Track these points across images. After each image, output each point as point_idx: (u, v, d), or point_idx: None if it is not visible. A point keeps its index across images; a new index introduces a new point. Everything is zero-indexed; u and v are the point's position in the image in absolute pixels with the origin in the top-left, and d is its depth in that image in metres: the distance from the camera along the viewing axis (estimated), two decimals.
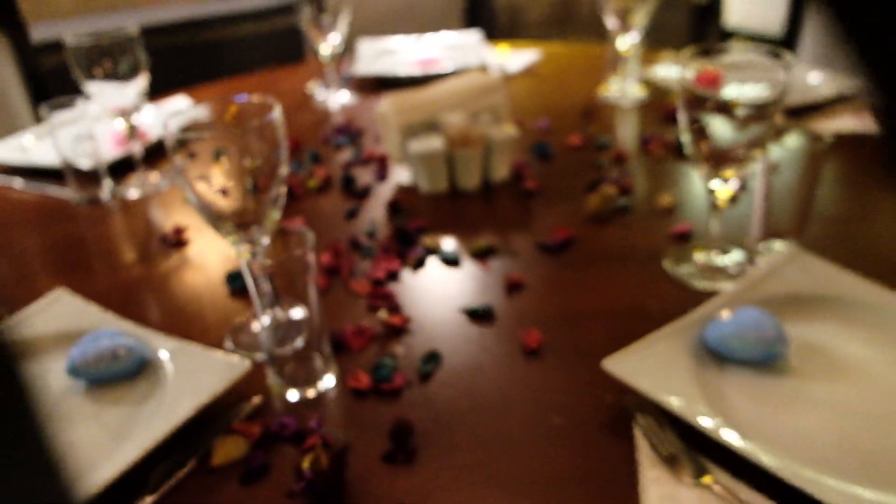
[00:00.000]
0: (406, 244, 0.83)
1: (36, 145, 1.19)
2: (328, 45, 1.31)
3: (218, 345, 0.68)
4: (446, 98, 0.97)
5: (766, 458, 0.48)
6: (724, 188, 0.70)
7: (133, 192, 1.03)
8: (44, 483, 0.16)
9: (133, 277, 0.82)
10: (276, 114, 0.55)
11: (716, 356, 0.59)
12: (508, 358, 0.64)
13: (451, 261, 0.80)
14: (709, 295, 0.69)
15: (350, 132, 1.18)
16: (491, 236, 0.85)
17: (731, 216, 0.82)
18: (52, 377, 0.63)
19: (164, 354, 0.63)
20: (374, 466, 0.53)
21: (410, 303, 0.73)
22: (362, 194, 0.97)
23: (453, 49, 1.55)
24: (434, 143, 0.93)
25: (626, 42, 1.22)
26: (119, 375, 0.61)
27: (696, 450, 0.51)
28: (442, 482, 0.52)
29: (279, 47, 2.47)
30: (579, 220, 0.87)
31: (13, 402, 0.15)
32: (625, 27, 1.20)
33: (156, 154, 1.12)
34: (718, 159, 0.67)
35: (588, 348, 0.64)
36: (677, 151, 1.02)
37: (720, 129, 0.66)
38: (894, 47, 0.17)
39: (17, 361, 0.15)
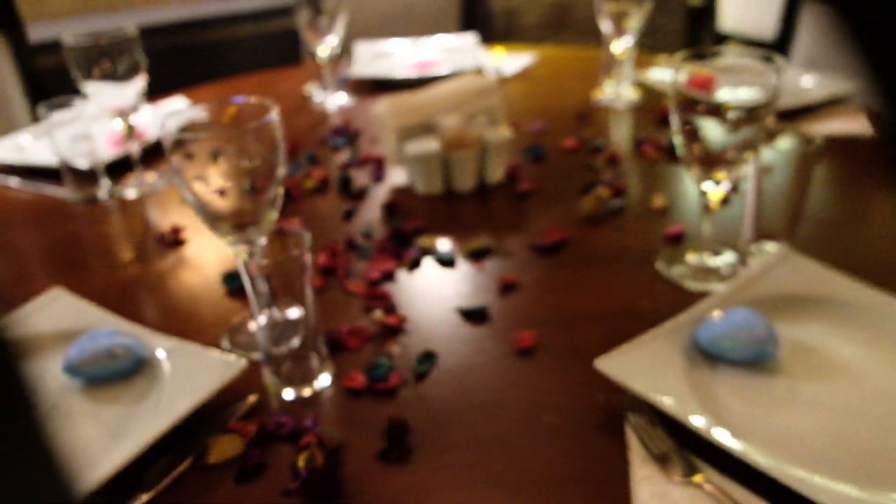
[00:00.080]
0: (402, 245, 0.84)
1: (33, 145, 1.19)
2: (325, 47, 1.32)
3: (215, 344, 0.68)
4: (442, 100, 0.98)
5: (757, 457, 0.49)
6: (716, 190, 0.71)
7: (130, 192, 1.04)
8: (43, 480, 0.16)
9: (130, 277, 0.83)
10: (274, 115, 0.56)
11: (707, 356, 0.60)
12: (503, 358, 0.65)
13: (447, 261, 0.81)
14: (701, 295, 0.69)
15: (347, 134, 1.19)
16: (486, 237, 0.85)
17: (723, 218, 0.83)
18: (49, 376, 0.63)
19: (160, 353, 0.63)
20: (369, 465, 0.54)
21: (406, 303, 0.74)
22: (359, 195, 0.98)
23: (449, 52, 1.56)
24: (430, 145, 0.94)
25: (621, 45, 1.23)
26: (116, 374, 0.62)
27: (688, 449, 0.52)
28: (437, 481, 0.52)
29: (277, 49, 2.47)
30: (573, 222, 0.87)
31: (12, 401, 0.15)
32: (619, 31, 1.21)
33: (153, 154, 1.12)
34: (710, 161, 0.68)
35: (581, 348, 0.64)
36: (670, 154, 1.02)
37: (712, 131, 0.66)
38: (894, 47, 0.17)
39: (17, 360, 0.15)
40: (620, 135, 1.16)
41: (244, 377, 0.60)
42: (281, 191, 0.59)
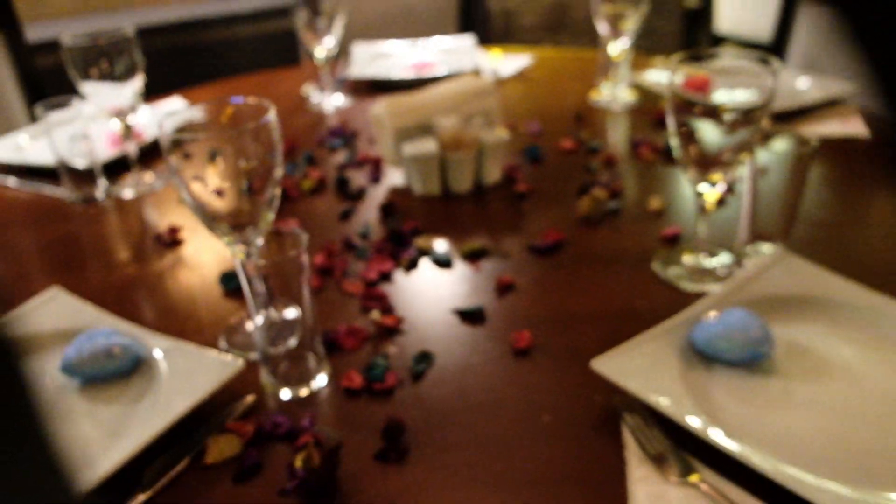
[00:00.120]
0: (399, 245, 0.84)
1: (31, 145, 1.19)
2: (323, 48, 1.32)
3: (212, 344, 0.68)
4: (440, 101, 0.98)
5: (753, 458, 0.49)
6: (712, 191, 0.71)
7: (128, 192, 1.04)
8: (41, 480, 0.16)
9: (128, 277, 0.83)
10: (272, 116, 0.56)
11: (703, 357, 0.60)
12: (500, 358, 0.65)
13: (444, 262, 0.81)
14: (697, 296, 0.70)
15: (344, 134, 1.19)
16: (483, 238, 0.86)
17: (718, 219, 0.83)
18: (47, 376, 0.63)
19: (158, 353, 0.63)
20: (366, 465, 0.54)
21: (403, 303, 0.74)
22: (356, 196, 0.98)
23: (447, 53, 1.56)
24: (427, 145, 0.94)
25: (618, 47, 1.23)
26: (114, 374, 0.62)
27: (684, 449, 0.52)
28: (434, 481, 0.52)
29: (275, 49, 2.47)
30: (570, 223, 0.88)
31: (11, 400, 0.15)
32: (616, 32, 1.21)
33: (151, 154, 1.12)
34: (707, 163, 0.68)
35: (578, 349, 0.65)
36: (667, 155, 1.03)
37: (708, 133, 0.67)
38: (894, 47, 0.17)
39: (14, 359, 0.16)
40: (617, 136, 1.16)
41: (241, 377, 0.60)
42: (278, 191, 0.59)
